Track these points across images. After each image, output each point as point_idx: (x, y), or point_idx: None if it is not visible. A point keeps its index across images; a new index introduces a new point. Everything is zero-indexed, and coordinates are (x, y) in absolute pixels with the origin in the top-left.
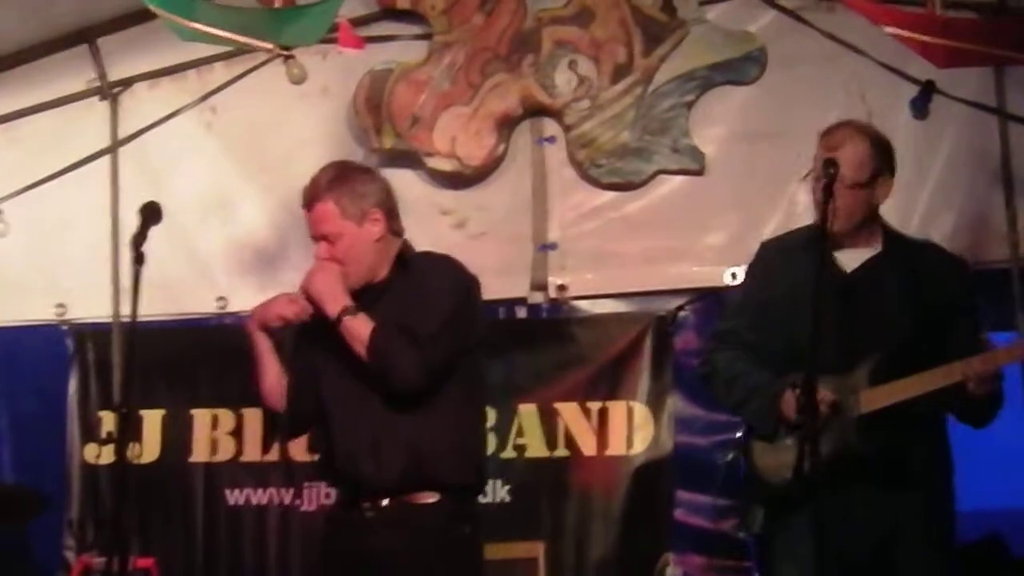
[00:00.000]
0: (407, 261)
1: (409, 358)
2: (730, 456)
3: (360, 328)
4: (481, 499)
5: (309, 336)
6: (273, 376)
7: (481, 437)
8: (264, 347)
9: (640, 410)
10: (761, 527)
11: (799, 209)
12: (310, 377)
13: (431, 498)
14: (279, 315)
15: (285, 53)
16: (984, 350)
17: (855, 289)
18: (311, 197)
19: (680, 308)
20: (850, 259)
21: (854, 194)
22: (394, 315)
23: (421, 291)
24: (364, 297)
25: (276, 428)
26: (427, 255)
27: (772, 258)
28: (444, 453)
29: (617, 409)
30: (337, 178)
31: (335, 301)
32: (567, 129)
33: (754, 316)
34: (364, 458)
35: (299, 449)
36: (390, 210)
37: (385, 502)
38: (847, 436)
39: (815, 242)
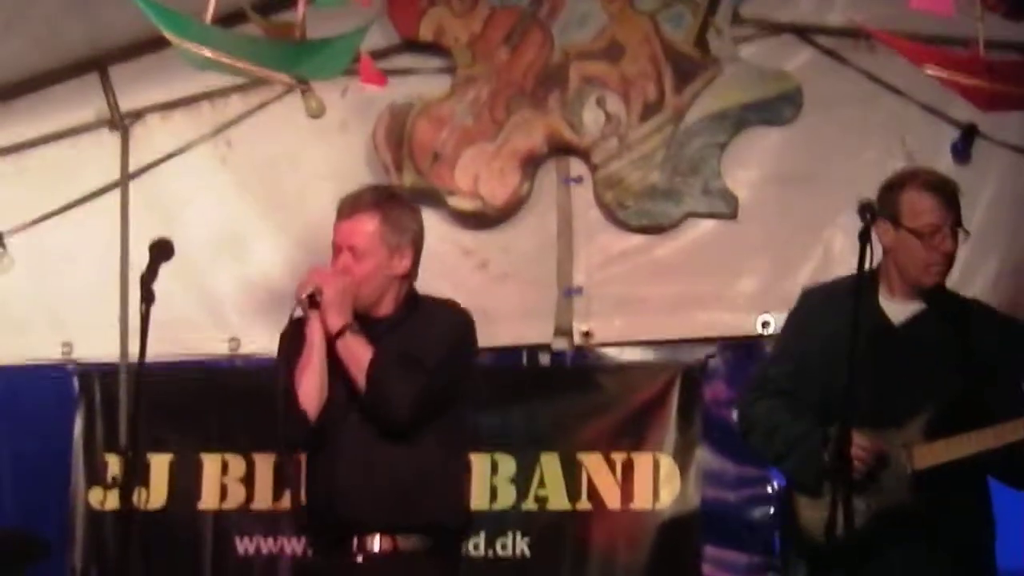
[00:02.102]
0: (414, 304)
1: (406, 391)
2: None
3: (360, 352)
4: (500, 552)
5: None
6: (319, 375)
7: (466, 483)
8: (318, 331)
9: (667, 462)
10: None
11: (835, 255)
12: None
13: (420, 542)
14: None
15: (303, 86)
16: None
17: (902, 342)
18: (355, 207)
19: (710, 357)
20: (897, 311)
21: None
22: (394, 349)
23: (423, 330)
24: (368, 330)
25: (297, 440)
26: (433, 299)
27: (815, 305)
28: (428, 490)
29: (643, 461)
30: (388, 201)
31: (341, 315)
32: (594, 169)
33: (795, 364)
34: (347, 493)
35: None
36: (418, 252)
37: (375, 547)
38: (900, 492)
39: (863, 291)
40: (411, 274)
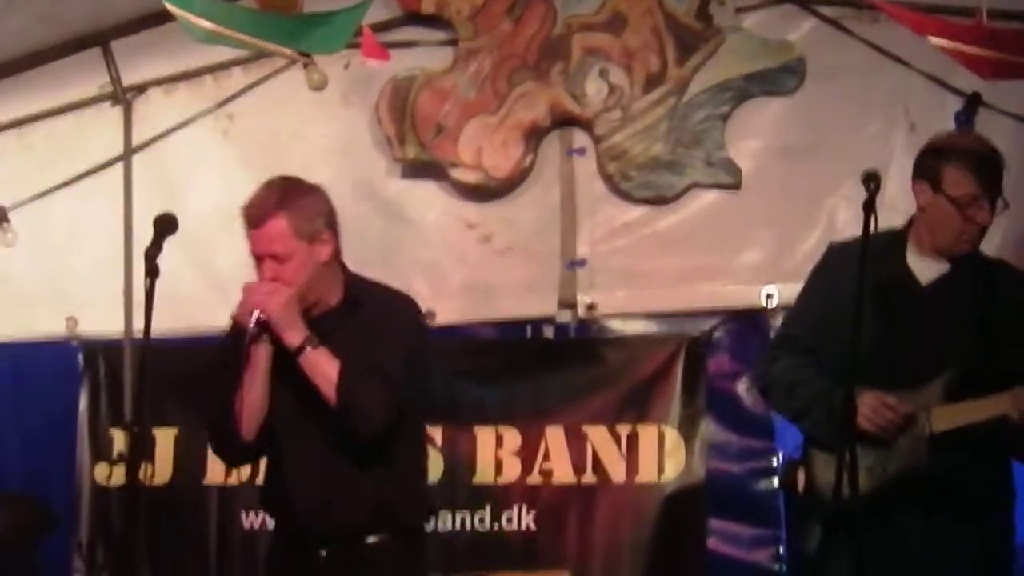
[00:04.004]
0: (358, 297)
1: (378, 401)
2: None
3: (325, 365)
4: (506, 526)
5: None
6: (259, 398)
7: (427, 472)
8: (264, 356)
9: (671, 435)
10: (819, 548)
11: (839, 225)
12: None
13: (383, 536)
14: (262, 306)
15: (305, 59)
16: None
17: (927, 302)
18: (262, 214)
19: (714, 329)
20: (924, 270)
21: None
22: (351, 352)
23: (376, 330)
24: (314, 331)
25: (234, 455)
26: (376, 286)
27: (840, 262)
28: (402, 499)
29: (647, 434)
30: (289, 195)
31: (295, 330)
32: (597, 140)
33: (818, 321)
34: (320, 504)
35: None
36: (336, 230)
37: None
38: (919, 454)
39: (891, 249)
40: (337, 253)
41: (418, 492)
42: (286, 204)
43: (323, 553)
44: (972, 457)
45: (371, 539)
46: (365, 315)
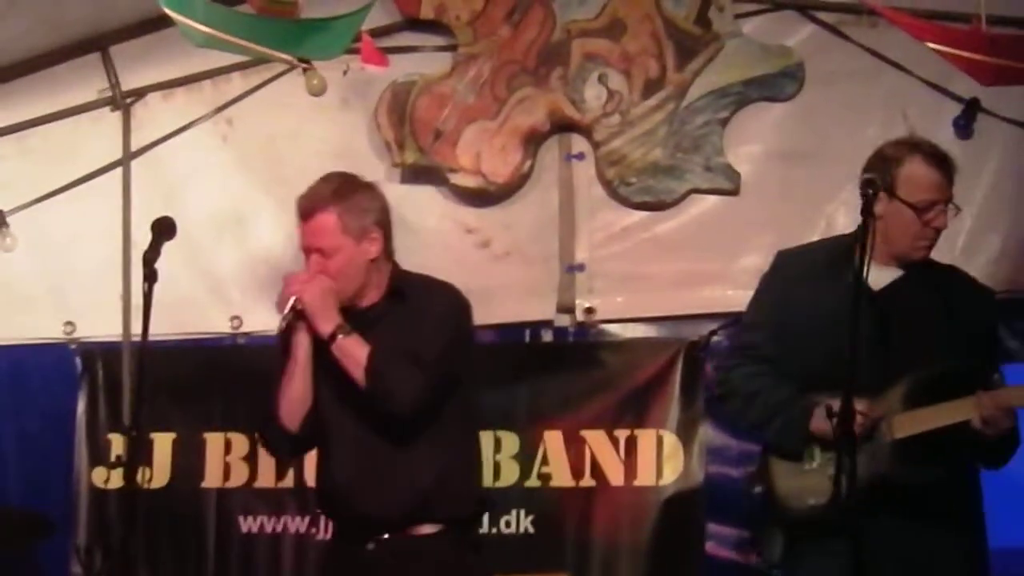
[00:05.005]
0: (402, 289)
1: (408, 382)
2: (758, 489)
3: (356, 349)
4: (504, 530)
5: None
6: (301, 389)
7: (479, 468)
8: (303, 346)
9: (670, 439)
10: (782, 556)
11: (838, 230)
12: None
13: (433, 528)
14: (299, 293)
15: (304, 64)
16: (996, 387)
17: (884, 309)
18: (312, 207)
19: (713, 333)
20: (877, 278)
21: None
22: (390, 343)
23: (417, 319)
24: (356, 322)
25: (283, 448)
26: (421, 279)
27: (791, 269)
28: (446, 488)
29: (646, 438)
30: (341, 190)
31: (328, 319)
32: (596, 146)
33: (774, 330)
34: (365, 493)
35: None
36: (388, 230)
37: (386, 535)
38: (881, 463)
39: (843, 256)
40: (387, 251)
41: (465, 483)
42: (337, 199)
43: (370, 546)
44: (935, 463)
45: (418, 530)
46: (407, 307)
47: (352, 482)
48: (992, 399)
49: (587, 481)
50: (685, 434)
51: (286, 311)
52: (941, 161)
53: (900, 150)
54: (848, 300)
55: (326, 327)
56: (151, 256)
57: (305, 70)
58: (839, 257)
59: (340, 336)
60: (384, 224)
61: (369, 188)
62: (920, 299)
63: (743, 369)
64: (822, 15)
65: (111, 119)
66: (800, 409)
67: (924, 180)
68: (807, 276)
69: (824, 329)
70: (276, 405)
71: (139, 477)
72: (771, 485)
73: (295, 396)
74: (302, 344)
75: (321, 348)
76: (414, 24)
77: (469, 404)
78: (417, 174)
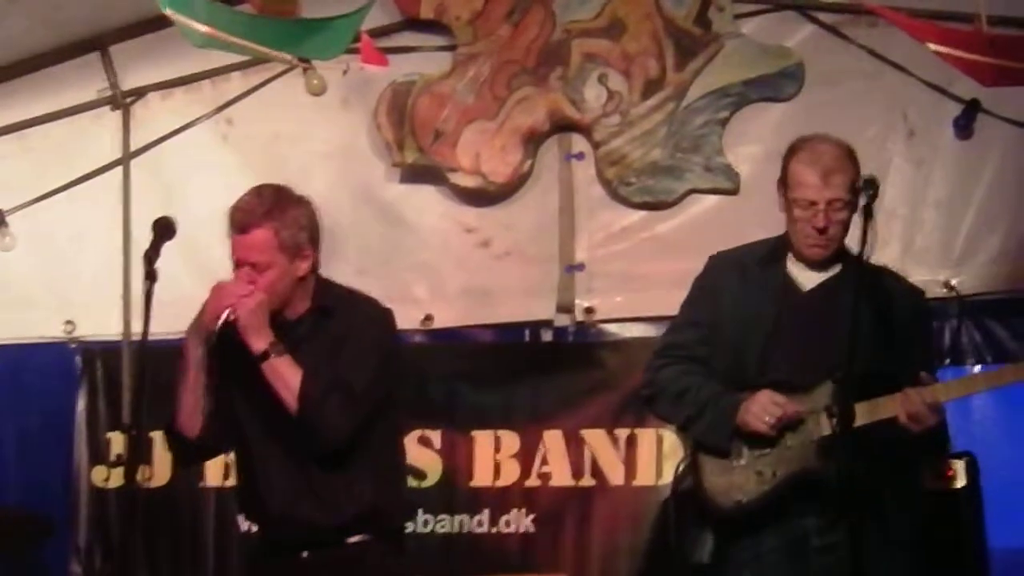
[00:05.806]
0: (328, 306)
1: (340, 415)
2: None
3: (288, 373)
4: (504, 529)
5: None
6: (197, 396)
7: (405, 474)
8: (197, 358)
9: (670, 438)
10: (711, 556)
11: None
12: (224, 400)
13: (367, 536)
14: (231, 307)
15: (304, 64)
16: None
17: (810, 308)
18: (248, 222)
19: None
20: (807, 278)
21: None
22: (318, 362)
23: (344, 339)
24: (283, 334)
25: (183, 455)
26: (345, 293)
27: (723, 271)
28: (382, 500)
29: (646, 437)
30: (279, 205)
31: (261, 336)
32: (596, 146)
33: (706, 331)
34: (300, 509)
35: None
36: (318, 245)
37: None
38: (808, 458)
39: (773, 256)
40: (315, 266)
41: (398, 493)
42: (274, 215)
43: (304, 554)
44: (863, 459)
45: (353, 540)
46: (333, 324)
47: (285, 497)
48: (918, 395)
49: (587, 481)
50: (685, 434)
51: (219, 324)
52: (819, 159)
53: (792, 147)
54: (775, 300)
55: (259, 344)
56: (151, 256)
57: (305, 70)
58: (767, 258)
59: (272, 355)
60: (316, 240)
61: (303, 203)
62: (848, 299)
63: (669, 369)
64: (822, 15)
65: (111, 118)
66: (728, 405)
67: (800, 179)
68: (736, 277)
69: (750, 329)
70: (175, 411)
71: (139, 476)
72: (700, 481)
73: (189, 409)
74: (194, 346)
75: (246, 360)
76: (414, 24)
77: (393, 419)
78: (417, 174)
